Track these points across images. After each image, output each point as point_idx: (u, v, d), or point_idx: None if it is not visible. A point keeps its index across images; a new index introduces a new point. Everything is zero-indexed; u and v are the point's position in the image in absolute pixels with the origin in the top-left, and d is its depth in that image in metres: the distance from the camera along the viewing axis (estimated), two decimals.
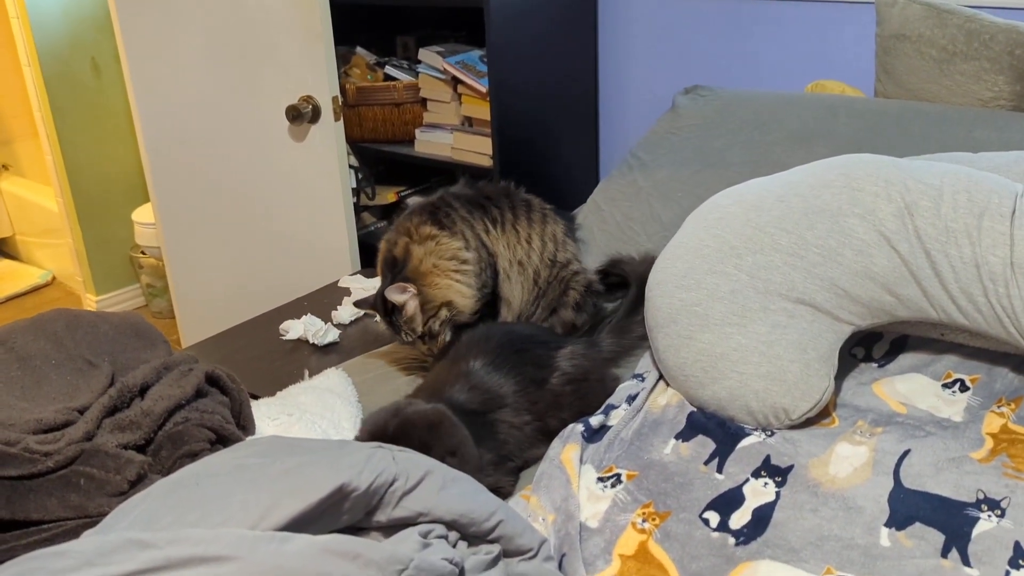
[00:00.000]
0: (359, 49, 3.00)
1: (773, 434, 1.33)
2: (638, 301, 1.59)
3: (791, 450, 1.29)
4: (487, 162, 2.66)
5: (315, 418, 1.39)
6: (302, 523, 0.89)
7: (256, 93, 2.38)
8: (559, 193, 2.74)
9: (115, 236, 3.54)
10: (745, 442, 1.32)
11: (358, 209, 2.95)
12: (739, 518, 1.17)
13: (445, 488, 0.98)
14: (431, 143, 2.83)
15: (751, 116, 2.07)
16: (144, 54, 2.55)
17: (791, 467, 1.26)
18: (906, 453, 1.24)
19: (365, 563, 0.84)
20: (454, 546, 0.96)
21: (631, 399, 1.43)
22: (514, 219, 1.68)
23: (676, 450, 1.32)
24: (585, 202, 2.17)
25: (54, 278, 3.96)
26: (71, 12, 3.23)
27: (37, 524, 1.05)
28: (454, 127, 2.77)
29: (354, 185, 2.83)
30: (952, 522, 1.11)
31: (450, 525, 0.97)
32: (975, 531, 1.09)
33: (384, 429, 1.18)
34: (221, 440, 1.22)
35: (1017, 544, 1.06)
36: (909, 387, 1.40)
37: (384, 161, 3.11)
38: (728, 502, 1.20)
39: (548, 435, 1.36)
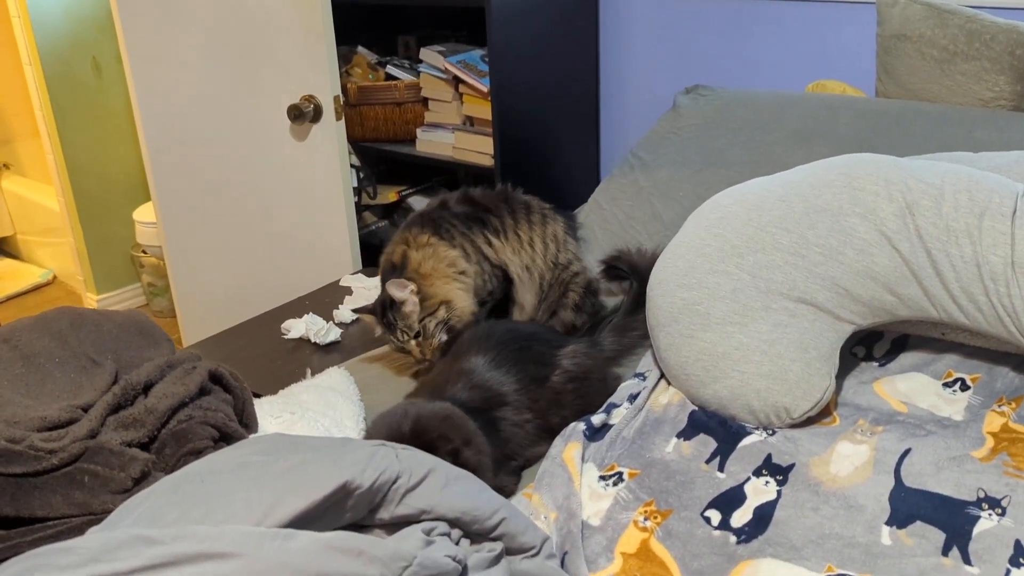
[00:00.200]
0: (360, 48, 3.00)
1: (774, 433, 1.34)
2: (639, 300, 1.59)
3: (792, 449, 1.29)
4: (488, 162, 2.66)
5: (317, 416, 1.40)
6: (306, 520, 0.89)
7: (257, 92, 2.39)
8: (560, 193, 2.75)
9: (116, 235, 3.54)
10: (746, 441, 1.32)
11: (359, 208, 2.96)
12: (740, 516, 1.18)
13: (448, 486, 0.98)
14: (432, 142, 2.83)
15: (752, 116, 2.08)
16: (145, 53, 2.56)
17: (792, 466, 1.26)
18: (907, 452, 1.24)
19: (369, 560, 0.84)
20: (457, 543, 0.96)
21: (633, 398, 1.43)
22: (515, 224, 1.68)
23: (678, 449, 1.33)
24: (586, 201, 2.18)
25: (55, 277, 3.96)
26: (72, 12, 3.24)
27: (42, 521, 1.06)
28: (455, 127, 2.77)
29: (355, 184, 2.83)
30: (953, 521, 1.11)
31: (453, 523, 0.97)
32: (976, 529, 1.10)
33: (399, 430, 1.19)
34: (224, 438, 1.23)
35: (1018, 542, 1.07)
36: (910, 386, 1.40)
37: (385, 160, 3.12)
38: (729, 500, 1.21)
39: (549, 433, 1.36)
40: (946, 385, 1.39)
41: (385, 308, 1.60)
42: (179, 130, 2.60)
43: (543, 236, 1.69)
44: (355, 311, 1.73)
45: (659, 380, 1.49)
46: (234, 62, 2.40)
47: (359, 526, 0.96)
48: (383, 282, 1.64)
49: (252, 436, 1.28)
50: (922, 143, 1.78)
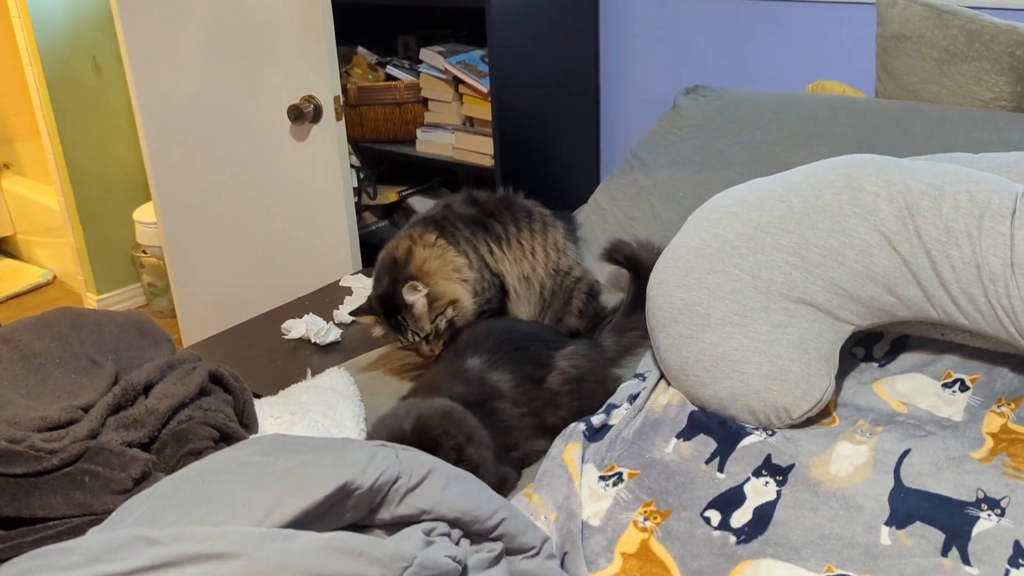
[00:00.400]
0: (360, 49, 3.00)
1: (774, 433, 1.34)
2: (638, 299, 1.59)
3: (792, 449, 1.30)
4: (488, 162, 2.66)
5: (318, 416, 1.40)
6: (306, 521, 0.89)
7: (257, 93, 2.39)
8: (560, 193, 2.75)
9: (116, 235, 3.54)
10: (746, 441, 1.32)
11: (359, 208, 2.96)
12: (740, 517, 1.18)
13: (448, 486, 0.99)
14: (432, 143, 2.83)
15: (752, 116, 2.08)
16: (146, 53, 2.56)
17: (792, 466, 1.26)
18: (906, 452, 1.24)
19: (369, 560, 0.84)
20: (457, 544, 0.97)
21: (632, 398, 1.43)
22: (517, 232, 1.68)
23: (677, 449, 1.33)
24: (586, 202, 2.18)
25: (55, 277, 3.96)
26: (72, 12, 3.24)
27: (43, 521, 1.06)
28: (455, 127, 2.78)
29: (355, 185, 2.83)
30: (952, 521, 1.12)
31: (453, 523, 0.97)
32: (975, 530, 1.10)
33: (400, 429, 1.19)
34: (225, 438, 1.23)
35: (1017, 543, 1.07)
36: (909, 387, 1.41)
37: (385, 161, 3.12)
38: (729, 501, 1.21)
39: (546, 429, 1.36)
40: (945, 386, 1.39)
41: (391, 310, 1.58)
42: (179, 130, 2.60)
43: (544, 244, 1.69)
44: (352, 314, 1.71)
45: (659, 381, 1.50)
46: (234, 62, 2.40)
47: (359, 526, 0.96)
48: (384, 275, 1.61)
49: (252, 437, 1.28)
50: (922, 144, 1.79)
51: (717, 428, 1.35)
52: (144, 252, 3.46)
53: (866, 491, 1.19)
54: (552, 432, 1.36)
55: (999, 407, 1.32)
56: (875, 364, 1.47)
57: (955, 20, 1.91)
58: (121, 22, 2.55)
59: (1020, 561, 1.05)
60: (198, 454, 1.15)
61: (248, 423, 1.32)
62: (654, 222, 1.98)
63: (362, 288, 2.09)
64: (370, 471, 0.94)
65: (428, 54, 2.77)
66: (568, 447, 1.29)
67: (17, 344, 1.28)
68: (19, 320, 1.35)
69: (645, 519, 1.18)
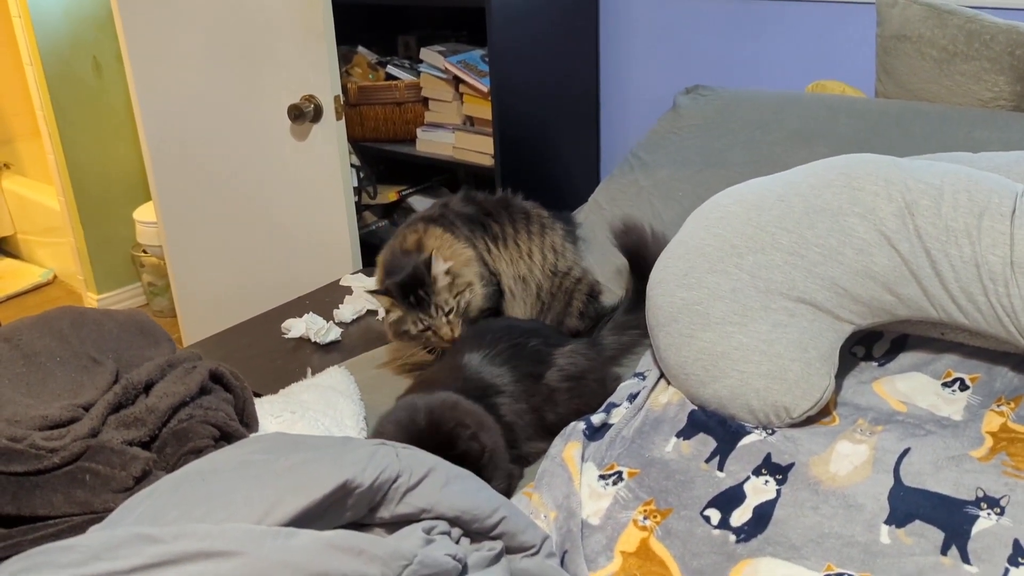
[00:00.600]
0: (361, 48, 3.00)
1: (774, 432, 1.34)
2: (638, 297, 1.60)
3: (792, 448, 1.30)
4: (488, 161, 2.67)
5: (318, 415, 1.40)
6: (306, 519, 0.89)
7: (258, 92, 2.39)
8: (560, 192, 2.75)
9: (116, 235, 3.54)
10: (746, 440, 1.32)
11: (359, 208, 2.96)
12: (740, 516, 1.18)
13: (448, 485, 0.99)
14: (432, 142, 2.83)
15: (752, 116, 2.08)
16: (146, 53, 2.56)
17: (792, 465, 1.26)
18: (906, 451, 1.24)
19: (369, 559, 0.84)
20: (457, 542, 0.97)
21: (632, 397, 1.43)
22: (515, 233, 1.68)
23: (677, 448, 1.33)
24: (586, 201, 2.18)
25: (55, 277, 3.97)
26: (73, 11, 3.24)
27: (43, 520, 1.06)
28: (455, 126, 2.78)
29: (355, 184, 2.83)
30: (952, 520, 1.12)
31: (453, 521, 0.98)
32: (975, 529, 1.10)
33: (415, 424, 1.19)
34: (225, 437, 1.23)
35: (1016, 542, 1.07)
36: (909, 386, 1.41)
37: (385, 160, 3.12)
38: (729, 500, 1.21)
39: (546, 428, 1.37)
40: (945, 385, 1.39)
41: (411, 286, 1.55)
42: (179, 130, 2.60)
43: (541, 247, 1.69)
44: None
45: (659, 380, 1.50)
46: (234, 62, 2.40)
47: (359, 525, 0.96)
48: (396, 265, 1.59)
49: (253, 435, 1.28)
50: (922, 143, 1.79)
51: (717, 427, 1.35)
52: (144, 252, 3.46)
53: (866, 490, 1.19)
54: (551, 432, 1.36)
55: (999, 406, 1.32)
56: (875, 363, 1.47)
57: (955, 20, 1.91)
58: (121, 22, 2.55)
59: (1020, 560, 1.05)
60: (198, 452, 1.16)
61: (248, 422, 1.32)
62: (654, 222, 1.98)
63: (362, 287, 2.10)
64: (370, 470, 0.94)
65: (428, 54, 2.77)
66: (568, 446, 1.29)
67: (18, 343, 1.28)
68: (20, 319, 1.35)
69: (645, 518, 1.18)
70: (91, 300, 3.60)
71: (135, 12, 2.52)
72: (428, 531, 0.94)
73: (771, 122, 2.03)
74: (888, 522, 1.13)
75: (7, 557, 0.91)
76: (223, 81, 2.45)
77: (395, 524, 0.97)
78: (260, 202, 2.54)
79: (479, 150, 2.70)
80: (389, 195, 3.05)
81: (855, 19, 2.36)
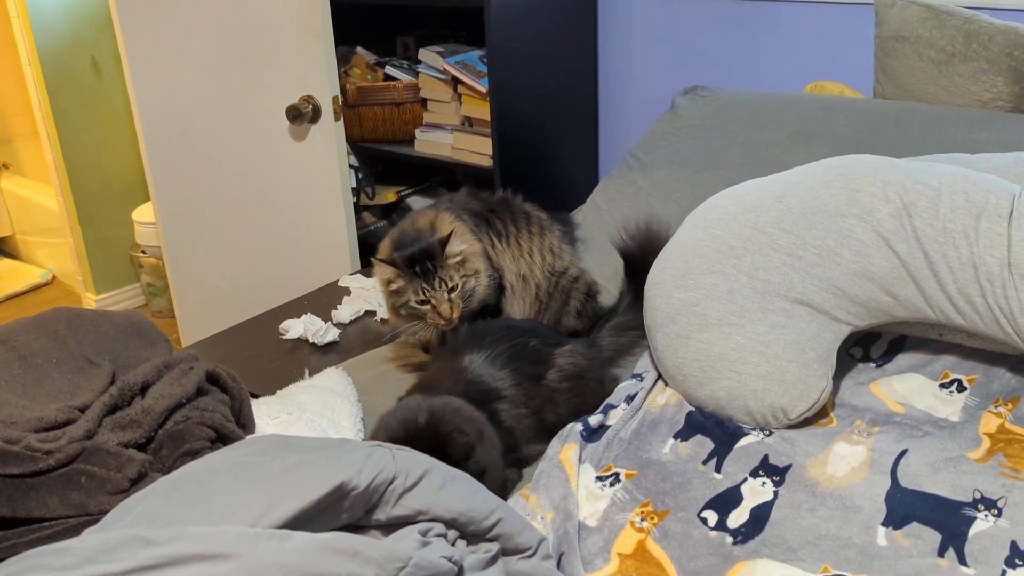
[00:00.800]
0: (359, 49, 3.00)
1: (771, 434, 1.34)
2: (636, 298, 1.59)
3: (789, 450, 1.29)
4: (487, 162, 2.66)
5: (315, 417, 1.40)
6: (302, 521, 0.89)
7: (256, 93, 2.39)
8: (559, 193, 2.75)
9: (115, 235, 3.54)
10: (743, 442, 1.32)
11: (358, 209, 2.96)
12: (737, 517, 1.18)
13: (444, 487, 0.99)
14: (431, 143, 2.83)
15: (750, 116, 2.08)
16: (145, 53, 2.56)
17: (789, 466, 1.26)
18: (903, 453, 1.24)
19: (364, 561, 0.84)
20: (453, 544, 0.97)
21: (630, 399, 1.43)
22: (516, 232, 1.69)
23: (675, 449, 1.33)
24: (585, 202, 2.18)
25: (54, 277, 3.96)
26: (71, 11, 3.24)
27: (39, 522, 1.06)
28: (454, 127, 2.78)
29: (354, 185, 2.83)
30: (949, 521, 1.12)
31: (449, 523, 0.97)
32: (972, 530, 1.10)
33: (415, 422, 1.18)
34: (221, 438, 1.23)
35: (1013, 543, 1.07)
36: (907, 387, 1.41)
37: (384, 161, 3.12)
38: (726, 501, 1.21)
39: (546, 432, 1.36)
40: (943, 386, 1.39)
41: (420, 258, 1.55)
42: (178, 130, 2.60)
43: (541, 248, 1.70)
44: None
45: (656, 381, 1.50)
46: (233, 62, 2.40)
47: (355, 527, 0.96)
48: (409, 239, 1.58)
49: (249, 437, 1.28)
50: (920, 144, 1.78)
51: (714, 428, 1.35)
52: (143, 252, 3.46)
53: (863, 491, 1.19)
54: (551, 432, 1.35)
55: (996, 407, 1.32)
56: (873, 364, 1.47)
57: (953, 21, 1.91)
58: (120, 22, 2.55)
59: (1016, 561, 1.05)
60: (194, 454, 1.15)
61: (245, 423, 1.32)
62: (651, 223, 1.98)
63: (360, 288, 2.10)
64: (366, 471, 0.94)
65: (427, 54, 2.77)
66: (565, 447, 1.29)
67: (14, 344, 1.28)
68: (16, 320, 1.35)
69: (642, 519, 1.18)
70: (90, 300, 3.60)
71: (134, 12, 2.51)
72: (424, 533, 0.94)
73: (769, 123, 2.03)
74: (885, 524, 1.13)
75: (2, 559, 0.91)
76: (222, 81, 2.45)
77: (391, 526, 0.97)
78: (259, 202, 2.54)
79: (478, 151, 2.70)
80: (388, 196, 3.05)
81: (853, 20, 2.36)
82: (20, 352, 1.26)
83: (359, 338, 1.88)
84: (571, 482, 1.23)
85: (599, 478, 1.27)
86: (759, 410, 1.35)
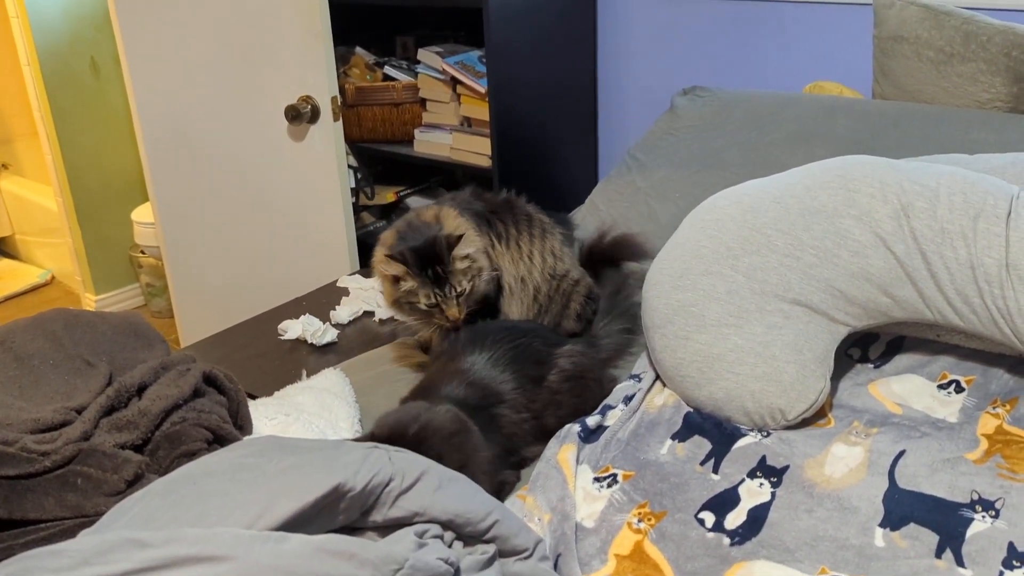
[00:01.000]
0: (358, 49, 3.00)
1: (769, 435, 1.34)
2: (617, 287, 1.67)
3: (787, 450, 1.29)
4: (486, 162, 2.66)
5: (312, 418, 1.40)
6: (298, 523, 0.89)
7: (255, 93, 2.39)
8: (558, 193, 2.75)
9: (114, 235, 3.54)
10: (741, 442, 1.32)
11: (357, 209, 2.96)
12: (734, 518, 1.18)
13: (441, 488, 0.98)
14: (430, 143, 2.83)
15: (749, 117, 2.07)
16: (144, 54, 2.56)
17: (786, 467, 1.26)
18: (901, 454, 1.24)
19: (361, 562, 0.84)
20: (450, 546, 0.96)
21: (628, 400, 1.43)
22: (517, 234, 1.68)
23: (672, 450, 1.33)
24: (583, 202, 2.18)
25: (53, 277, 3.96)
26: (71, 12, 3.24)
27: (34, 523, 1.06)
28: (453, 127, 2.77)
29: (353, 185, 2.83)
30: (946, 523, 1.11)
31: (446, 525, 0.97)
32: (969, 532, 1.10)
33: (404, 430, 1.17)
34: (218, 440, 1.23)
35: (1011, 545, 1.07)
36: (905, 388, 1.40)
37: (383, 161, 3.12)
38: (723, 502, 1.21)
39: (546, 434, 1.36)
40: (941, 387, 1.39)
41: (429, 260, 1.54)
42: (177, 130, 2.60)
43: (542, 250, 1.70)
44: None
45: (654, 382, 1.49)
46: (232, 62, 2.40)
47: (352, 529, 0.96)
48: (414, 232, 1.57)
49: (246, 438, 1.28)
50: (919, 145, 1.78)
51: (712, 429, 1.35)
52: (142, 252, 3.46)
53: (860, 492, 1.19)
54: (551, 433, 1.35)
55: (994, 408, 1.32)
56: (871, 365, 1.47)
57: (952, 21, 1.91)
58: (119, 22, 2.55)
59: (1014, 563, 1.05)
60: (191, 456, 1.15)
61: (242, 424, 1.32)
62: (650, 223, 1.98)
63: (359, 288, 2.09)
64: (363, 473, 0.94)
65: (426, 54, 2.77)
66: (563, 448, 1.29)
67: (11, 345, 1.28)
68: (13, 321, 1.35)
69: (639, 520, 1.18)
70: (89, 301, 3.60)
71: (133, 12, 2.51)
72: (420, 535, 0.94)
73: (768, 123, 2.03)
74: (883, 525, 1.13)
75: None
76: (221, 82, 2.45)
77: (388, 528, 0.97)
78: (258, 203, 2.54)
79: (477, 151, 2.70)
80: (387, 196, 3.05)
81: (852, 20, 2.36)
82: (17, 353, 1.26)
83: (357, 339, 1.88)
84: (568, 483, 1.23)
85: (596, 479, 1.27)
86: (757, 411, 1.34)
